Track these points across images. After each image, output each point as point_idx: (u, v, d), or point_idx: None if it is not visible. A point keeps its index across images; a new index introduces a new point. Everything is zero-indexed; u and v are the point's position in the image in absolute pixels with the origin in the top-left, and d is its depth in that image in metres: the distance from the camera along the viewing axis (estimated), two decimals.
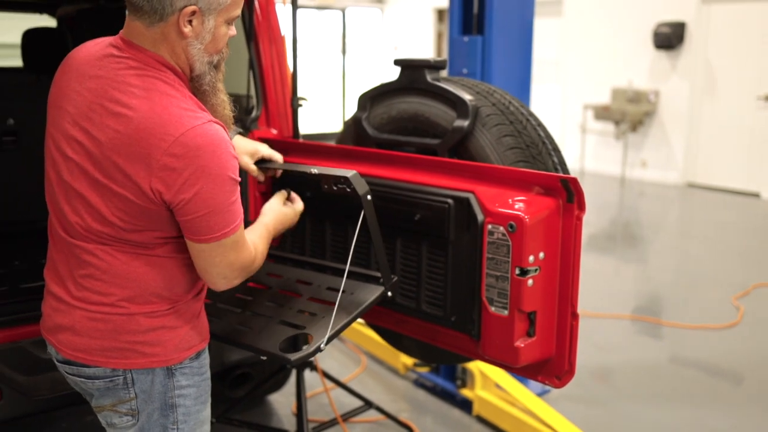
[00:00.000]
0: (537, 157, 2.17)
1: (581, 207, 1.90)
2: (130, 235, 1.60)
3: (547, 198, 1.93)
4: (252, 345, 2.02)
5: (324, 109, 13.38)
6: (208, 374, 1.84)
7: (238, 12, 1.66)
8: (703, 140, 9.71)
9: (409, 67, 2.34)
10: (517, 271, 1.90)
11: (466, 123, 2.19)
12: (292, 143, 2.66)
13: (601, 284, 5.79)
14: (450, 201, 2.09)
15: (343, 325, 1.97)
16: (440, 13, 12.92)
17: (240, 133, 2.24)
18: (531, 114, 2.27)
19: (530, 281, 1.90)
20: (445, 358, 2.45)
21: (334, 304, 2.01)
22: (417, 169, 2.22)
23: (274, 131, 2.85)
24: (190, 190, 1.52)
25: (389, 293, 2.10)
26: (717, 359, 4.32)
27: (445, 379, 3.75)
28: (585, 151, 10.81)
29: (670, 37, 9.44)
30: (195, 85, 1.67)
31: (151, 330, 1.67)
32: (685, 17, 9.48)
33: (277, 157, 2.26)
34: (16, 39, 3.96)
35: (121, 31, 1.63)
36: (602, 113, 10.10)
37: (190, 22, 1.57)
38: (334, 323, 1.94)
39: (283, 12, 2.93)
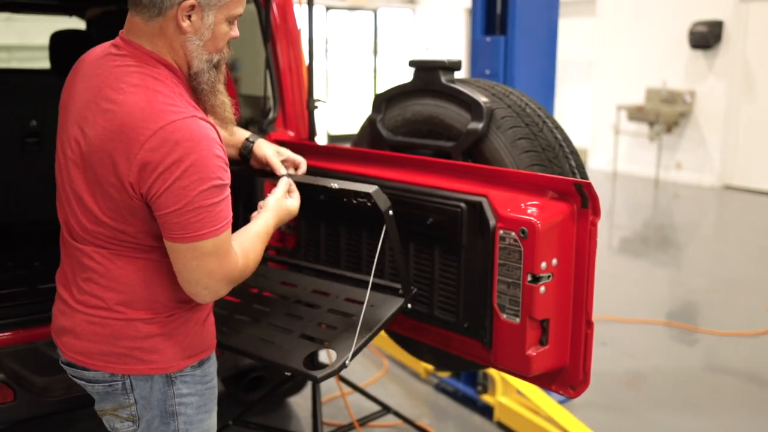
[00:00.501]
0: (553, 161, 2.11)
1: (596, 212, 1.84)
2: (122, 235, 1.58)
3: (560, 203, 1.88)
4: (276, 361, 2.00)
5: (355, 110, 13.39)
6: (214, 383, 1.81)
7: (240, 11, 1.64)
8: (741, 141, 9.49)
9: (424, 69, 2.30)
10: (529, 278, 1.85)
11: (480, 125, 2.15)
12: (307, 145, 2.63)
13: (633, 289, 5.68)
14: (463, 205, 2.04)
15: (366, 339, 1.94)
16: None
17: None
18: (548, 116, 2.22)
19: (542, 288, 1.85)
20: (459, 364, 2.41)
21: (354, 316, 1.98)
22: (430, 173, 2.18)
23: (291, 133, 2.83)
24: (164, 183, 1.48)
25: (409, 305, 2.07)
26: (752, 367, 4.20)
27: (466, 385, 3.70)
28: (618, 152, 10.64)
29: (706, 36, 9.25)
30: (193, 84, 1.65)
31: (150, 336, 1.65)
32: (723, 16, 9.27)
33: (301, 160, 2.23)
34: (44, 41, 4.01)
35: (122, 29, 1.63)
36: (636, 114, 9.93)
37: (189, 17, 1.55)
38: (359, 338, 1.91)
39: (302, 12, 2.90)
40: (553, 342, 1.91)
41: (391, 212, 1.95)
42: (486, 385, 3.55)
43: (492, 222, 1.95)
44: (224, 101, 1.71)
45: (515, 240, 1.86)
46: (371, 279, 2.03)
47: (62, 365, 1.75)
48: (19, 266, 2.87)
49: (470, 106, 2.18)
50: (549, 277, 1.86)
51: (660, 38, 9.97)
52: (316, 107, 2.71)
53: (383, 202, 1.93)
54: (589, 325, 1.91)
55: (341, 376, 3.16)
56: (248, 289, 2.43)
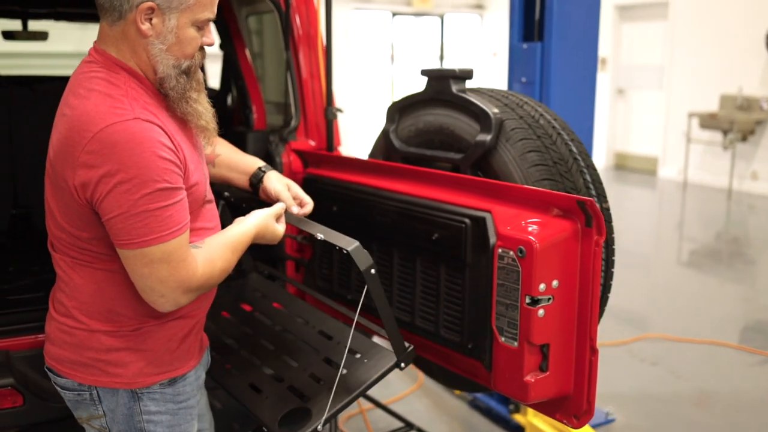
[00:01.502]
0: (565, 175, 2.00)
1: (600, 232, 1.73)
2: (80, 242, 1.57)
3: (563, 221, 1.77)
4: (256, 414, 1.96)
5: None
6: (191, 402, 1.77)
7: (208, 15, 1.58)
8: None
9: (435, 78, 2.22)
10: (527, 300, 1.74)
11: (488, 137, 2.05)
12: (323, 155, 2.59)
13: (700, 306, 5.39)
14: (467, 221, 1.95)
15: (343, 405, 1.83)
16: None
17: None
18: (564, 128, 2.10)
19: (541, 311, 1.74)
20: (465, 385, 2.31)
21: (344, 370, 1.89)
22: (437, 186, 2.10)
23: (312, 143, 2.79)
24: (104, 188, 1.44)
25: (402, 364, 1.89)
26: None
27: (499, 403, 3.58)
28: (689, 161, 10.22)
29: None
30: (162, 90, 1.61)
31: (114, 350, 1.63)
32: None
33: (308, 201, 2.14)
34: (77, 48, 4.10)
35: None
36: (709, 121, 9.50)
37: (149, 20, 1.52)
38: (332, 403, 1.82)
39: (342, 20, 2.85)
40: (555, 369, 1.80)
41: (373, 271, 1.79)
42: (518, 405, 3.42)
43: (492, 239, 1.85)
44: (196, 109, 1.64)
45: (513, 259, 1.76)
46: (348, 342, 1.93)
47: (45, 370, 1.76)
48: (45, 271, 2.92)
49: (479, 116, 2.09)
50: (549, 299, 1.75)
51: (735, 42, 9.52)
52: (335, 116, 2.65)
53: (363, 260, 1.78)
54: (594, 351, 1.79)
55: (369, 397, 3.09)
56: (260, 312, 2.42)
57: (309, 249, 2.66)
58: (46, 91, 3.58)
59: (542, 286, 1.73)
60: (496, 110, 2.07)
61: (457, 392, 3.83)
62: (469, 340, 2.02)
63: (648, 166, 11.19)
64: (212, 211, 1.79)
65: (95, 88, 1.52)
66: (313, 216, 2.61)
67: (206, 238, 1.68)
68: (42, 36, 4.70)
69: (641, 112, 11.27)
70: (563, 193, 1.78)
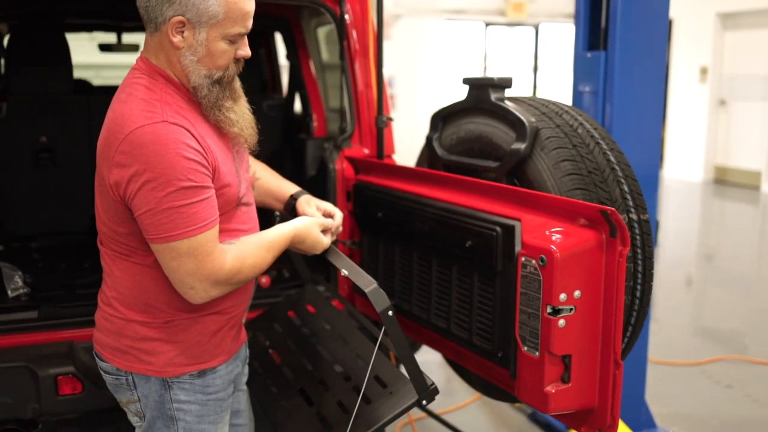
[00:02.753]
0: (600, 185, 1.97)
1: (624, 242, 1.69)
2: (118, 237, 1.68)
3: (588, 231, 1.74)
4: None
5: None
6: (221, 395, 1.84)
7: (239, 30, 1.66)
8: None
9: (475, 86, 2.23)
10: (548, 310, 1.73)
11: (523, 146, 2.04)
12: (372, 163, 2.64)
13: None
14: (498, 229, 1.95)
15: None
16: None
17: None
18: (604, 138, 2.07)
19: (562, 321, 1.72)
20: (499, 394, 2.29)
21: (371, 402, 1.90)
22: (472, 193, 2.11)
23: (366, 150, 2.84)
24: (134, 186, 1.55)
25: (425, 401, 1.83)
26: None
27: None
28: None
29: None
30: (196, 98, 1.70)
31: (147, 339, 1.73)
32: None
33: (337, 212, 2.12)
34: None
35: None
36: None
37: (181, 33, 1.62)
38: None
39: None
40: (577, 380, 1.77)
41: (390, 313, 1.76)
42: None
43: (518, 247, 1.85)
44: (228, 117, 1.73)
45: (535, 268, 1.75)
46: (364, 386, 1.92)
47: (93, 355, 1.89)
48: None
49: (515, 125, 2.08)
50: (571, 310, 1.73)
51: None
52: (386, 125, 2.70)
53: (380, 302, 1.76)
54: (617, 365, 1.75)
55: None
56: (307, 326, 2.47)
57: (358, 255, 2.71)
58: None
59: (563, 296, 1.71)
60: (532, 119, 2.06)
61: (517, 405, 3.79)
62: (499, 348, 2.01)
63: (750, 180, 10.66)
64: (249, 214, 1.87)
65: (134, 93, 1.63)
66: (360, 222, 2.67)
67: (242, 237, 1.77)
68: (134, 48, 4.99)
69: (744, 124, 10.75)
70: (587, 203, 1.76)
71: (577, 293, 1.72)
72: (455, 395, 3.89)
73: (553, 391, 1.77)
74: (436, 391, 1.82)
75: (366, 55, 2.82)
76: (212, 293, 1.66)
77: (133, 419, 1.85)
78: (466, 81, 2.27)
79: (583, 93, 3.27)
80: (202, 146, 1.61)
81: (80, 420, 2.64)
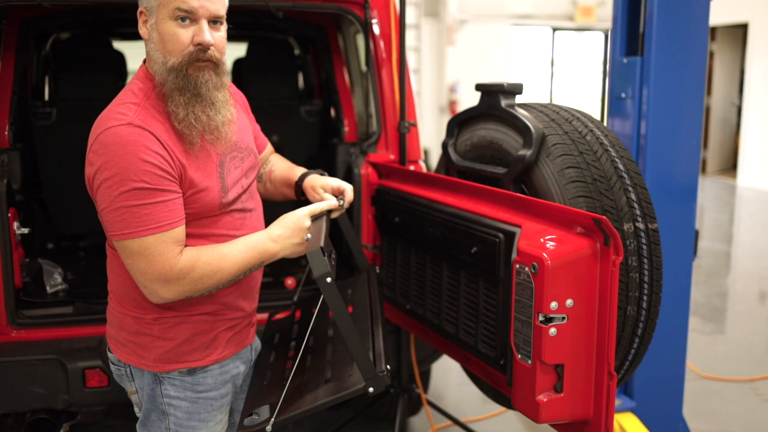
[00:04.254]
0: (605, 193, 1.94)
1: (618, 251, 1.66)
2: (105, 231, 1.73)
3: (582, 239, 1.72)
4: (245, 403, 1.95)
5: None
6: (212, 395, 1.87)
7: (180, 4, 1.62)
8: None
9: (487, 92, 2.23)
10: (540, 318, 1.71)
11: (528, 152, 2.03)
12: (392, 168, 2.66)
13: None
14: (500, 235, 1.95)
15: (292, 414, 1.74)
16: (711, 32, 11.82)
17: (321, 173, 2.12)
18: (614, 145, 2.03)
19: (552, 330, 1.70)
20: (506, 401, 2.27)
21: (329, 381, 1.82)
22: (479, 199, 2.11)
23: (392, 156, 2.86)
24: (97, 183, 1.61)
25: (371, 389, 1.71)
26: None
27: None
28: None
29: None
30: (159, 89, 1.70)
31: (141, 334, 1.79)
32: None
33: (346, 186, 2.02)
34: None
35: None
36: None
37: (145, 23, 1.68)
38: (284, 409, 1.76)
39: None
40: (570, 390, 1.75)
41: (329, 280, 1.64)
42: None
43: (514, 254, 1.84)
44: (175, 111, 1.67)
45: (528, 275, 1.74)
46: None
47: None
48: None
49: (522, 131, 2.07)
50: (563, 318, 1.71)
51: None
52: (408, 130, 2.72)
53: (319, 267, 1.64)
54: (611, 376, 1.72)
55: (440, 407, 3.10)
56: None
57: (378, 258, 2.74)
58: None
59: (554, 305, 1.69)
60: (539, 125, 2.04)
61: None
62: (501, 355, 2.00)
63: None
64: (245, 220, 1.87)
65: (120, 96, 1.71)
66: (380, 227, 2.70)
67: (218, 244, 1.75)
68: None
69: None
70: (582, 211, 1.73)
71: (569, 302, 1.70)
72: (489, 403, 3.86)
73: (545, 400, 1.75)
74: (385, 379, 1.71)
75: (397, 58, 2.83)
76: (164, 294, 1.65)
77: (135, 409, 1.93)
78: (478, 87, 2.27)
79: (619, 100, 3.21)
80: (167, 151, 1.63)
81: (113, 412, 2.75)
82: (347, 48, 3.44)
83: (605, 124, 3.27)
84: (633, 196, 1.96)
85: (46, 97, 4.11)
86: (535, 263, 1.70)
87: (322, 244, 1.68)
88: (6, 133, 2.87)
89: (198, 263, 1.67)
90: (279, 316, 2.47)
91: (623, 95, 3.17)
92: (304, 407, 1.75)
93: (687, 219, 3.14)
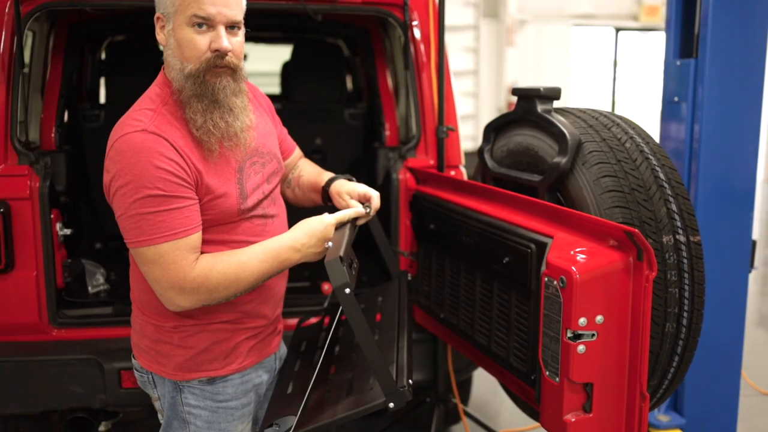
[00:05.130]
0: (642, 203, 1.84)
1: (651, 267, 1.58)
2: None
3: (615, 252, 1.64)
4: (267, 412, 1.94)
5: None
6: (232, 404, 1.85)
7: (195, 12, 1.61)
8: None
9: (524, 98, 2.15)
10: (568, 334, 1.63)
11: (563, 160, 1.95)
12: (429, 174, 2.61)
13: None
14: (532, 246, 1.88)
15: (313, 427, 1.71)
16: None
17: (349, 179, 2.09)
18: (656, 153, 1.94)
19: (581, 347, 1.62)
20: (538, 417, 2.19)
21: (349, 393, 1.79)
22: (512, 208, 2.04)
23: (432, 161, 2.80)
24: (113, 190, 1.61)
25: (391, 404, 1.65)
26: None
27: None
28: None
29: None
30: (177, 96, 1.69)
31: (161, 342, 1.78)
32: None
33: (372, 194, 2.00)
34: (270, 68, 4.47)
35: None
36: None
37: (163, 29, 1.67)
38: (300, 422, 1.72)
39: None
40: (600, 411, 1.67)
41: (347, 291, 1.59)
42: None
43: (543, 267, 1.77)
44: (192, 118, 1.66)
45: (557, 289, 1.66)
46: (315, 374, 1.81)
47: None
48: None
49: (558, 138, 1.99)
50: (593, 336, 1.63)
51: None
52: (446, 135, 2.66)
53: (338, 278, 1.59)
54: (644, 398, 1.64)
55: (476, 418, 3.02)
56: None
57: (415, 265, 2.69)
58: None
59: (582, 321, 1.61)
60: (575, 131, 1.96)
61: None
62: (532, 370, 1.93)
63: None
64: (267, 227, 1.84)
65: (138, 102, 1.71)
66: (416, 233, 2.65)
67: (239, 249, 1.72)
68: (244, 57, 5.20)
69: None
70: (614, 223, 1.65)
71: (599, 318, 1.62)
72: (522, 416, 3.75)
73: (573, 420, 1.67)
74: (405, 395, 1.65)
75: (438, 63, 2.78)
76: (179, 302, 1.65)
77: (159, 416, 1.92)
78: (515, 91, 2.19)
79: (672, 104, 3.08)
80: (182, 157, 1.62)
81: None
82: (393, 50, 3.40)
83: (659, 128, 3.16)
84: (674, 207, 1.86)
85: (102, 99, 4.19)
86: (563, 277, 1.63)
87: (341, 253, 1.64)
88: (52, 135, 2.93)
89: (213, 272, 1.65)
90: (308, 322, 2.44)
91: (676, 99, 3.04)
92: (322, 421, 1.72)
93: (743, 228, 2.99)
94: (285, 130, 2.12)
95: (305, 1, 2.61)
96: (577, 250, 1.68)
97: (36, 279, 2.57)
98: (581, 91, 12.63)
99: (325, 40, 4.13)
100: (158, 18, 1.69)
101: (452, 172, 2.85)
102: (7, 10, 2.51)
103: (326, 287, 2.92)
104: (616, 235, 1.63)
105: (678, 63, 3.02)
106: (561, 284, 1.64)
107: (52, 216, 2.61)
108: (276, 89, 4.93)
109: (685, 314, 1.85)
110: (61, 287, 2.71)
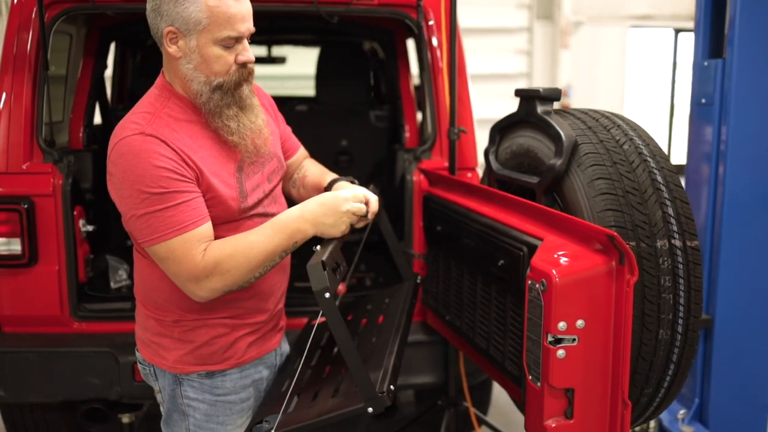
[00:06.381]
0: (636, 207, 1.79)
1: (632, 271, 1.54)
2: (133, 238, 1.78)
3: (597, 256, 1.61)
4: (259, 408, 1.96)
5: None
6: (231, 398, 1.88)
7: (229, 34, 1.67)
8: None
9: (525, 98, 2.12)
10: (549, 339, 1.61)
11: (559, 161, 1.92)
12: (439, 176, 2.60)
13: None
14: (525, 249, 1.86)
15: (293, 428, 1.72)
16: None
17: (352, 181, 2.10)
18: (654, 155, 1.88)
19: (561, 352, 1.59)
20: None
21: (335, 394, 1.80)
22: (509, 210, 2.02)
23: (447, 164, 2.79)
24: (116, 193, 1.66)
25: (370, 409, 1.66)
26: None
27: None
28: None
29: None
30: (198, 105, 1.75)
31: (162, 335, 1.83)
32: None
33: (373, 198, 1.98)
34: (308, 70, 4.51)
35: None
36: None
37: (176, 43, 1.69)
38: (283, 421, 1.74)
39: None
40: (582, 418, 1.64)
41: (327, 295, 1.59)
42: None
43: (528, 270, 1.74)
44: (227, 125, 1.74)
45: (538, 293, 1.64)
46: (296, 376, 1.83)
47: None
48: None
49: (555, 139, 1.96)
50: (573, 340, 1.60)
51: None
52: (458, 137, 2.64)
53: (318, 282, 1.59)
54: (625, 405, 1.60)
55: (490, 423, 2.99)
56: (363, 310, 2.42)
57: (426, 267, 2.68)
58: (291, 108, 4.00)
59: (562, 325, 1.58)
60: (571, 133, 1.93)
61: None
62: (523, 375, 1.90)
63: None
64: None
65: (137, 106, 1.75)
66: (426, 235, 2.64)
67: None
68: (281, 60, 5.27)
69: None
70: (597, 226, 1.62)
71: (580, 323, 1.59)
72: None
73: (553, 425, 1.64)
74: (384, 400, 1.65)
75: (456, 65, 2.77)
76: (199, 292, 1.68)
77: (161, 408, 1.97)
78: (518, 92, 2.17)
79: (701, 105, 2.99)
80: (179, 155, 1.66)
81: None
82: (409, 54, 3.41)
83: (690, 130, 3.07)
84: (670, 211, 1.80)
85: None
86: (543, 280, 1.60)
87: (324, 258, 1.65)
88: (80, 135, 3.04)
89: (222, 256, 1.67)
90: (317, 321, 2.46)
91: (704, 100, 2.96)
92: (305, 421, 1.73)
93: None
94: (289, 129, 2.15)
95: (319, 3, 2.63)
96: (560, 253, 1.65)
97: (58, 273, 2.67)
98: (639, 95, 12.34)
99: (352, 42, 4.15)
100: (172, 32, 1.69)
101: (468, 174, 2.83)
102: (33, 15, 2.61)
103: (340, 287, 2.93)
104: (600, 239, 1.60)
105: (706, 64, 2.94)
106: (541, 287, 1.61)
107: (75, 212, 2.70)
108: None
109: (680, 321, 1.80)
110: (83, 282, 2.80)
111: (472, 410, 2.84)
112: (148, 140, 1.65)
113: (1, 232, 2.57)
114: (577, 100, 11.67)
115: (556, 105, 2.11)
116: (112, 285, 2.97)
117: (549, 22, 11.75)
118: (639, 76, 12.33)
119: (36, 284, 2.65)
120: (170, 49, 1.70)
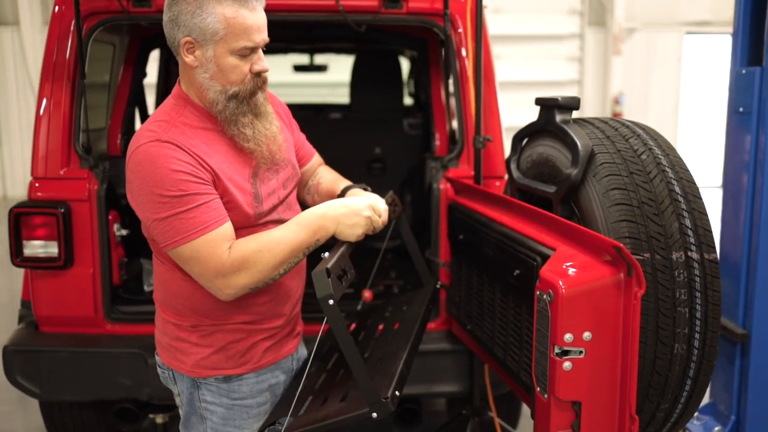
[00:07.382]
0: (651, 217, 1.76)
1: (639, 284, 1.51)
2: (151, 242, 1.82)
3: (606, 267, 1.58)
4: (272, 411, 1.97)
5: None
6: (248, 402, 1.91)
7: (245, 44, 1.71)
8: None
9: (544, 107, 2.11)
10: (555, 350, 1.59)
11: (575, 171, 1.89)
12: (463, 184, 2.59)
13: None
14: (538, 258, 1.84)
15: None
16: None
17: (365, 188, 2.12)
18: (674, 166, 1.84)
19: (567, 364, 1.57)
20: None
21: (343, 399, 1.80)
22: (528, 220, 2.00)
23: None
24: (136, 199, 1.70)
25: (374, 414, 1.66)
26: None
27: None
28: None
29: None
30: (214, 113, 1.79)
31: (180, 339, 1.87)
32: None
33: (384, 208, 1.99)
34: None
35: None
36: None
37: (192, 52, 1.73)
38: (292, 424, 1.77)
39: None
40: (589, 431, 1.61)
41: (331, 302, 1.60)
42: None
43: (537, 280, 1.72)
44: (243, 132, 1.78)
45: (546, 304, 1.62)
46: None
47: None
48: None
49: (572, 148, 1.94)
50: (580, 353, 1.57)
51: None
52: (483, 145, 2.63)
53: (322, 288, 1.60)
54: (633, 420, 1.57)
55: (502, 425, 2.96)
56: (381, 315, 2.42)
57: (450, 275, 2.67)
58: (325, 115, 4.05)
59: (568, 337, 1.56)
60: (588, 142, 1.90)
61: None
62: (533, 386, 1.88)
63: None
64: None
65: (154, 115, 1.80)
66: (450, 243, 2.63)
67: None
68: (323, 68, 5.33)
69: None
70: (605, 237, 1.59)
71: (586, 335, 1.57)
72: None
73: None
74: (388, 406, 1.65)
75: (485, 74, 2.76)
76: (227, 289, 1.71)
77: (180, 411, 2.01)
78: (538, 101, 2.15)
79: (738, 114, 2.91)
80: (196, 159, 1.70)
81: None
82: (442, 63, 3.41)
83: (727, 139, 2.99)
84: (687, 223, 1.76)
85: None
86: (551, 290, 1.59)
87: (329, 265, 1.67)
88: (118, 141, 3.12)
89: (249, 252, 1.71)
90: (322, 327, 2.47)
91: (741, 109, 2.88)
92: (313, 425, 1.75)
93: None
94: (303, 136, 2.17)
95: (347, 12, 2.66)
96: (568, 264, 1.63)
97: (92, 276, 2.75)
98: (695, 103, 12.06)
99: (386, 50, 4.17)
100: (189, 42, 1.72)
101: (497, 183, 2.82)
102: (72, 26, 2.71)
103: (367, 294, 2.95)
104: (608, 250, 1.57)
105: (744, 71, 2.86)
106: (549, 298, 1.59)
107: (110, 217, 2.78)
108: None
109: (697, 335, 1.75)
110: (117, 284, 2.88)
111: (497, 420, 2.81)
112: (164, 146, 1.69)
113: (38, 235, 2.67)
114: (629, 108, 11.47)
115: (608, 113, 2.09)
116: (146, 288, 3.04)
117: (601, 28, 11.60)
118: (696, 84, 12.05)
119: (71, 286, 2.74)
120: (187, 58, 1.74)
